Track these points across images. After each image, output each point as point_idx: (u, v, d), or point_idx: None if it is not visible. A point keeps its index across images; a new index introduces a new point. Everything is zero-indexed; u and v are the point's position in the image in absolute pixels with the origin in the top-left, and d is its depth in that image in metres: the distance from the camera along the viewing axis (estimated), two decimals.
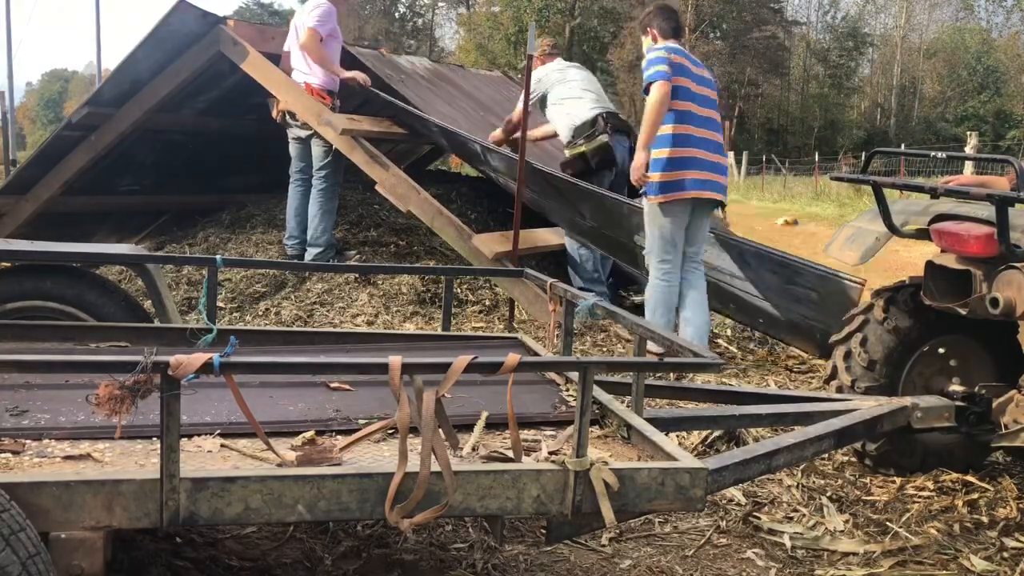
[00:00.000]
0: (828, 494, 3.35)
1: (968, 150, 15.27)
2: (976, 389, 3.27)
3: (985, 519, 3.17)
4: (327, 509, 1.84)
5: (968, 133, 19.65)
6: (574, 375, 2.65)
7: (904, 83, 46.32)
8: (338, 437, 2.23)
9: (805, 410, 2.92)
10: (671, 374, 3.68)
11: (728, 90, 42.82)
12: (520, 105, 6.31)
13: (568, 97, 6.15)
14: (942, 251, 3.23)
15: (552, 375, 2.87)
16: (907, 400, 3.09)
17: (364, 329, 5.26)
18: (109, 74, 6.94)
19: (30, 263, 3.21)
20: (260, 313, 5.95)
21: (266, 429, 2.05)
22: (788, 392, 3.75)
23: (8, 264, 3.37)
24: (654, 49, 4.82)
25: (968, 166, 14.36)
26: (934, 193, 3.27)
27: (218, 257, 3.11)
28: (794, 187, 26.66)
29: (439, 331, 3.35)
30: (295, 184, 6.40)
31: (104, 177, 7.27)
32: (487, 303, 6.16)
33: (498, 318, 5.92)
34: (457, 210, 5.92)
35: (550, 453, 2.20)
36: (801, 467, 3.51)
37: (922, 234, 3.32)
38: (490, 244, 5.58)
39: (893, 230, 3.35)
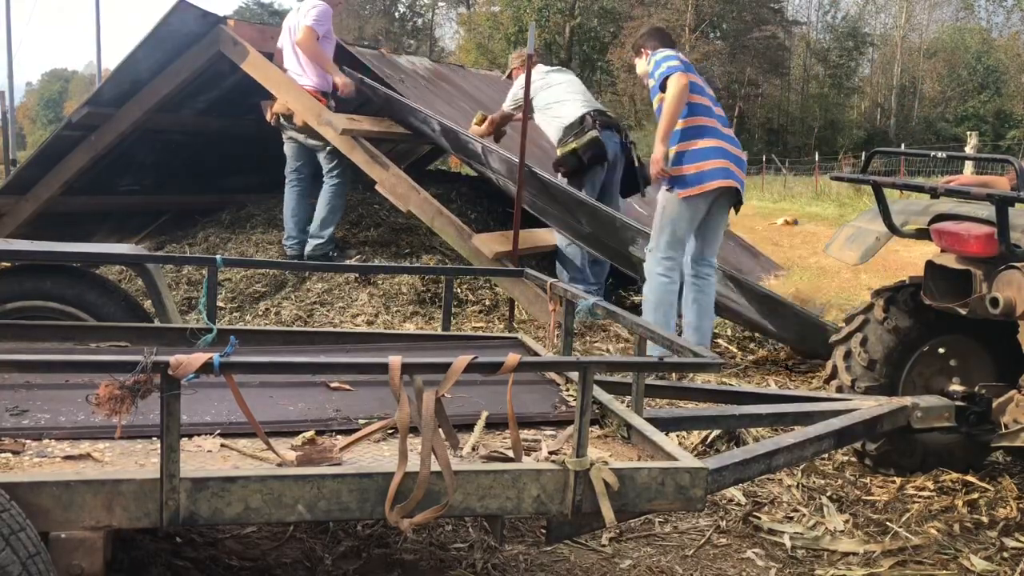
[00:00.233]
0: (828, 494, 3.35)
1: (968, 150, 15.27)
2: (976, 389, 3.27)
3: (985, 519, 3.17)
4: (327, 509, 1.84)
5: (968, 133, 19.67)
6: (574, 375, 2.65)
7: (904, 83, 46.32)
8: (338, 437, 2.23)
9: (805, 410, 2.92)
10: (671, 374, 3.69)
11: (728, 90, 42.82)
12: (504, 103, 6.34)
13: (553, 102, 6.17)
14: (942, 251, 3.23)
15: (552, 375, 2.88)
16: (907, 400, 3.09)
17: (364, 329, 5.26)
18: (109, 74, 6.93)
19: (30, 263, 3.21)
20: (260, 313, 5.95)
21: (266, 429, 2.05)
22: (788, 392, 3.75)
23: (8, 264, 3.37)
24: (659, 52, 4.83)
25: (968, 166, 14.36)
26: (934, 193, 3.27)
27: (218, 257, 3.11)
28: (794, 187, 26.68)
29: (439, 331, 3.34)
30: (291, 185, 6.42)
31: (104, 177, 7.27)
32: (487, 303, 6.16)
33: (498, 318, 5.93)
34: (457, 210, 5.92)
35: (550, 453, 2.20)
36: (801, 467, 3.51)
37: (922, 234, 3.32)
38: (490, 244, 5.58)
39: (893, 230, 3.35)
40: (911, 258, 8.14)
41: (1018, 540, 3.02)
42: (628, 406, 2.52)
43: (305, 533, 2.76)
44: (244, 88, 6.69)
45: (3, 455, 1.96)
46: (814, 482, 3.46)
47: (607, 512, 1.95)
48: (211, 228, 7.32)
